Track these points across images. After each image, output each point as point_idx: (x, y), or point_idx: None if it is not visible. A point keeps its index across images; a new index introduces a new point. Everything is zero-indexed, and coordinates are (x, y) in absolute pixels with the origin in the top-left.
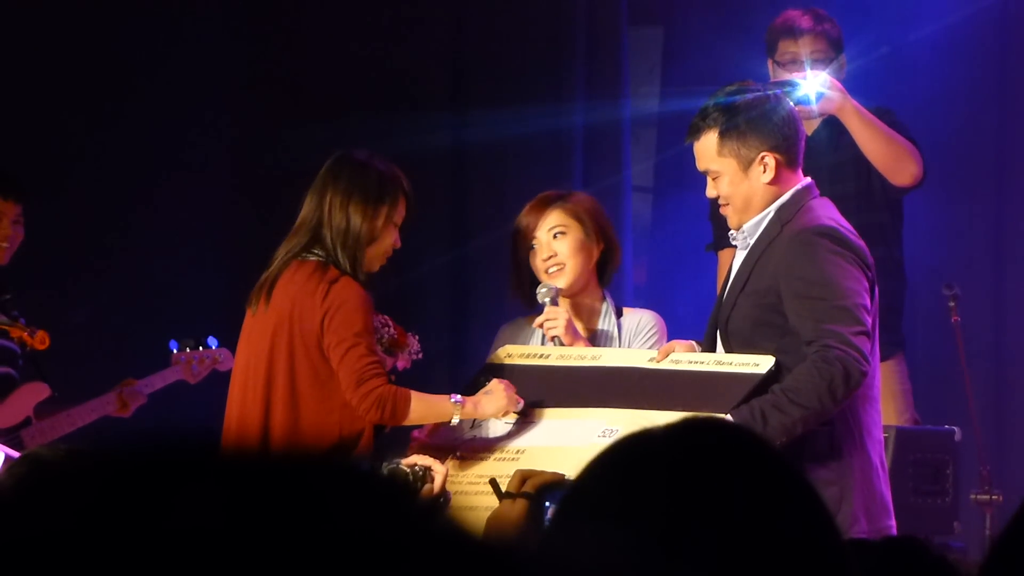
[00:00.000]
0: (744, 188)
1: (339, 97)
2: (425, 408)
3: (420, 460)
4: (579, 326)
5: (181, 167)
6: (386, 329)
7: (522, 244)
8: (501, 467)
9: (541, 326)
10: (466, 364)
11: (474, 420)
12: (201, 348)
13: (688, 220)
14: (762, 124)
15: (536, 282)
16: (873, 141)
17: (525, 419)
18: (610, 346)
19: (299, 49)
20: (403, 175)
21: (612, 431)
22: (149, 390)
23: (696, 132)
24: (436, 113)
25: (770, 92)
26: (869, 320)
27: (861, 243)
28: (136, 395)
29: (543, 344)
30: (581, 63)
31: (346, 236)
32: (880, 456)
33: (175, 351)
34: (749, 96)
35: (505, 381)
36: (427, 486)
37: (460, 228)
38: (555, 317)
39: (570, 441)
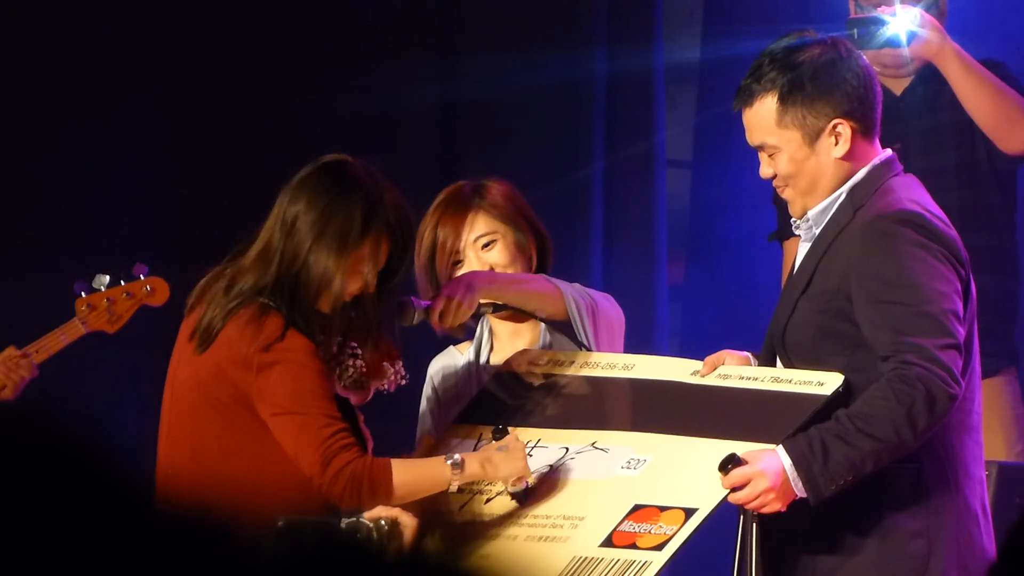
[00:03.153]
0: (810, 165)
1: (295, 45)
2: (413, 477)
3: (386, 512)
4: (523, 342)
5: (110, 132)
6: (352, 361)
7: (441, 262)
8: (506, 505)
9: (441, 331)
10: None
11: (480, 435)
12: (123, 283)
13: (739, 202)
14: (833, 84)
15: None
16: (979, 95)
17: (539, 442)
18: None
19: None
20: (399, 204)
21: (640, 461)
22: (41, 357)
23: (747, 97)
24: (419, 62)
25: (839, 42)
26: (962, 330)
27: (952, 233)
28: (17, 367)
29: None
30: None
31: (305, 282)
32: (982, 499)
33: (82, 295)
34: (814, 47)
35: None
36: (395, 543)
37: None
38: (445, 305)
39: (590, 472)
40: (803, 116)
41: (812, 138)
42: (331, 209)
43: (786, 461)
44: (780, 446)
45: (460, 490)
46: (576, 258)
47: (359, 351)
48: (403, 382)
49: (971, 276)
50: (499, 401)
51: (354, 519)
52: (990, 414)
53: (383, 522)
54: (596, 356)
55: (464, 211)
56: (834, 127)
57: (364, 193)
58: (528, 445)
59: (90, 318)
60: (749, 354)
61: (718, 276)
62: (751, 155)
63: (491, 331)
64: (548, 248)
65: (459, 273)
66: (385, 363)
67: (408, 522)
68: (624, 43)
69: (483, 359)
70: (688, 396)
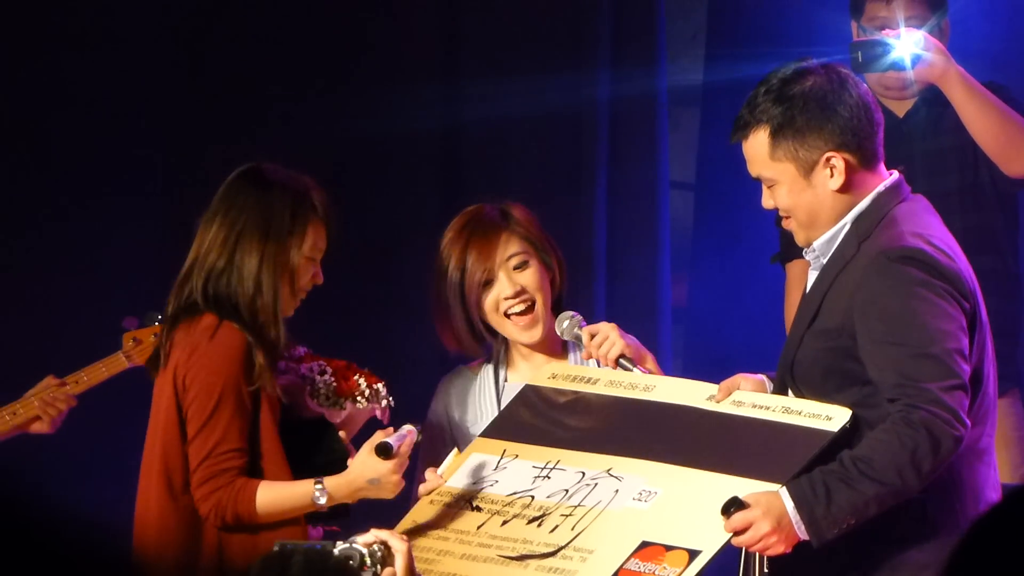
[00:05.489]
0: (807, 198)
1: (299, 69)
2: (275, 497)
3: (379, 536)
4: (539, 362)
5: (114, 151)
6: (323, 378)
7: (470, 283)
8: (522, 529)
9: (591, 356)
10: None
11: (498, 462)
12: None
13: (743, 224)
14: (825, 116)
15: (488, 326)
16: (983, 118)
17: (558, 463)
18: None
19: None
20: (318, 190)
21: (651, 493)
22: (80, 389)
23: (743, 129)
24: (422, 86)
25: (835, 71)
26: (967, 367)
27: (956, 265)
28: (55, 399)
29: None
30: (606, 23)
31: (228, 281)
32: None
33: (131, 329)
34: (808, 78)
35: (397, 466)
36: (388, 569)
37: None
38: (605, 335)
39: (604, 502)
40: (795, 149)
41: (807, 171)
42: (249, 205)
43: (788, 504)
44: (783, 488)
45: (478, 508)
46: (579, 280)
47: (327, 368)
48: (387, 403)
49: (980, 303)
50: (523, 417)
51: (348, 545)
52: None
53: (376, 548)
54: (619, 375)
55: (496, 232)
56: (828, 160)
57: (283, 186)
58: (547, 466)
59: (135, 353)
60: (764, 377)
61: (721, 299)
62: (754, 178)
63: (506, 350)
64: (564, 275)
65: (490, 293)
66: (357, 378)
67: (399, 547)
68: (627, 66)
69: (501, 377)
70: (701, 424)
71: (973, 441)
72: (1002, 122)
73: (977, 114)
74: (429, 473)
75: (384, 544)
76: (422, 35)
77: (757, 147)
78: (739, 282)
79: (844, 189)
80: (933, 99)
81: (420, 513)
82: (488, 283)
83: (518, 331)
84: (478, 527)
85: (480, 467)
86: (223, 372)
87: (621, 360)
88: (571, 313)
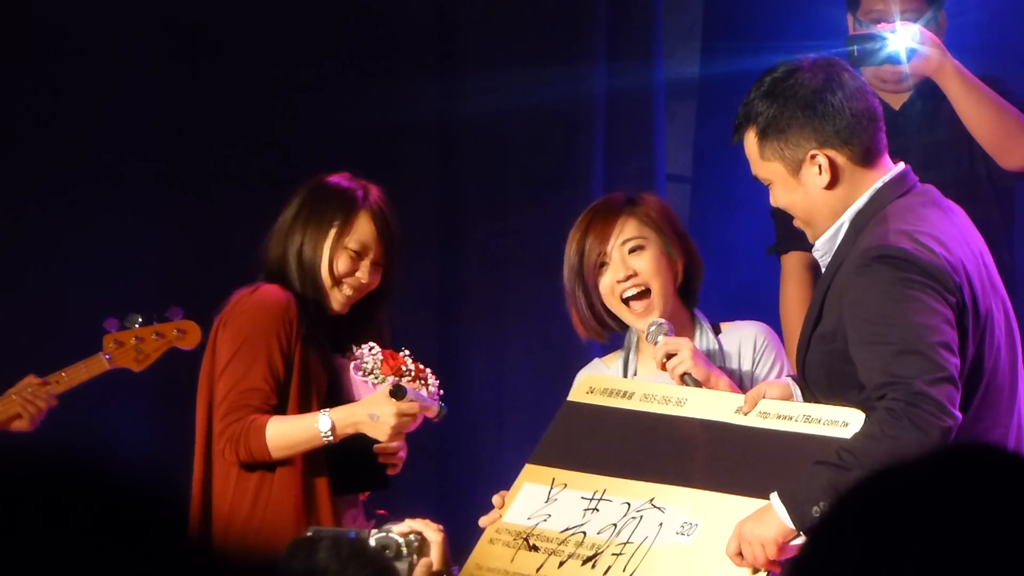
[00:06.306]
0: (800, 196)
1: (295, 62)
2: (284, 429)
3: (414, 526)
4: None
5: (105, 147)
6: (371, 352)
7: (588, 265)
8: (577, 570)
9: (663, 367)
10: (457, 391)
11: (549, 493)
12: (156, 323)
13: (739, 216)
14: (808, 114)
15: (608, 310)
16: (979, 112)
17: (604, 493)
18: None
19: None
20: (372, 195)
21: (693, 526)
22: (61, 388)
23: (737, 130)
24: (419, 79)
25: (827, 68)
26: (954, 361)
27: (940, 260)
28: (35, 397)
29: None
30: (603, 16)
31: (285, 257)
32: None
33: (112, 332)
34: (798, 76)
35: (399, 412)
36: (424, 559)
37: (449, 224)
38: (677, 349)
39: (650, 536)
40: (781, 148)
41: (794, 169)
42: (306, 199)
43: (778, 506)
44: (774, 494)
45: (535, 548)
46: None
47: (376, 346)
48: (438, 392)
49: (980, 295)
50: (567, 439)
51: (383, 534)
52: None
53: (412, 538)
54: (654, 387)
55: (615, 215)
56: (812, 157)
57: (338, 183)
58: (595, 496)
59: (116, 354)
60: (789, 380)
61: (718, 290)
62: (750, 170)
63: (637, 346)
64: (697, 272)
65: (605, 275)
66: (404, 357)
67: (434, 537)
68: (624, 60)
69: (630, 372)
70: (733, 442)
71: (981, 433)
72: (998, 115)
73: (973, 107)
74: (496, 500)
75: (419, 534)
76: (418, 28)
77: (750, 147)
78: (736, 275)
79: (833, 186)
80: (929, 93)
81: (482, 556)
82: (603, 265)
83: (634, 317)
84: (537, 569)
85: (533, 499)
86: (256, 319)
87: (685, 377)
88: (661, 320)
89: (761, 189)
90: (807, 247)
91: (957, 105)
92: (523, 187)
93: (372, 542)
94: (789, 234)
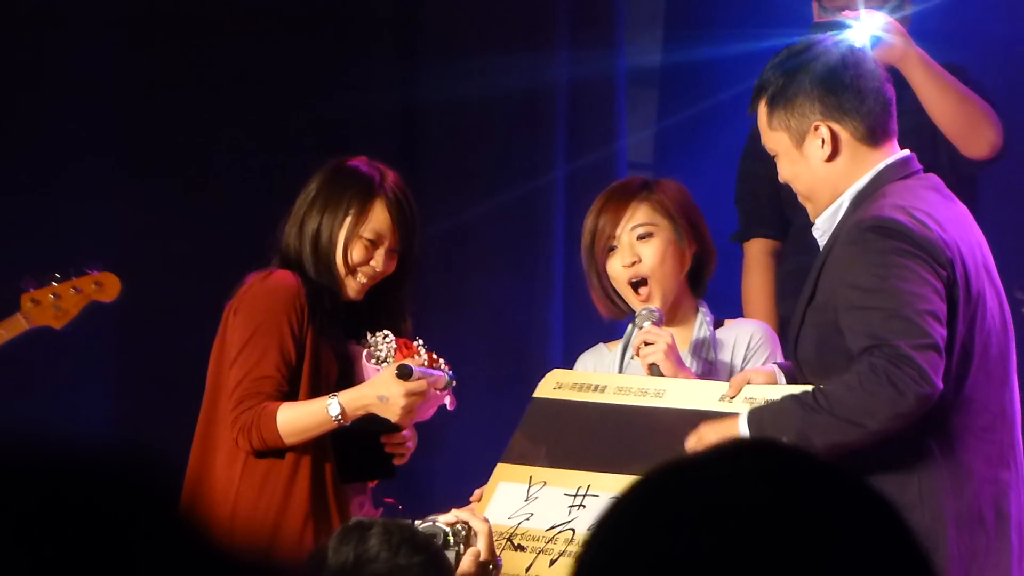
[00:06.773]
0: (803, 169)
1: (256, 49)
2: (294, 415)
3: (460, 516)
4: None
5: (66, 135)
6: (385, 340)
7: (598, 247)
8: (568, 568)
9: (637, 353)
10: None
11: (528, 491)
12: (73, 278)
13: (702, 204)
14: (816, 86)
15: (617, 291)
16: (942, 99)
17: (589, 489)
18: (707, 367)
19: None
20: (389, 181)
21: None
22: None
23: (752, 100)
24: (380, 67)
25: (843, 44)
26: (941, 330)
27: (934, 235)
28: None
29: (621, 370)
30: (564, 3)
31: (301, 242)
32: (995, 501)
33: (30, 291)
34: (814, 49)
35: (408, 391)
36: (472, 548)
37: None
38: (654, 339)
39: None
40: (787, 118)
41: (798, 141)
42: (323, 182)
43: (743, 428)
44: (743, 415)
45: (521, 548)
46: (538, 262)
47: (390, 333)
48: (452, 380)
49: (972, 275)
50: (540, 436)
51: (430, 523)
52: None
53: (460, 527)
54: (629, 380)
55: (628, 199)
56: (816, 128)
57: (356, 168)
58: (579, 492)
59: (33, 313)
60: (775, 367)
61: None
62: (712, 158)
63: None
64: (708, 262)
65: (613, 258)
66: (418, 345)
67: (481, 527)
68: (586, 47)
69: (628, 356)
70: None
71: (970, 417)
72: (961, 104)
73: (936, 96)
74: (475, 497)
75: (466, 524)
76: (379, 15)
77: (761, 117)
78: None
79: (834, 158)
80: (893, 81)
81: None
82: (612, 249)
83: (639, 302)
84: (526, 569)
85: (511, 498)
86: (267, 304)
87: (652, 367)
88: (653, 308)
89: (724, 177)
90: (770, 234)
91: (920, 93)
92: (485, 174)
93: (420, 530)
94: (752, 220)
